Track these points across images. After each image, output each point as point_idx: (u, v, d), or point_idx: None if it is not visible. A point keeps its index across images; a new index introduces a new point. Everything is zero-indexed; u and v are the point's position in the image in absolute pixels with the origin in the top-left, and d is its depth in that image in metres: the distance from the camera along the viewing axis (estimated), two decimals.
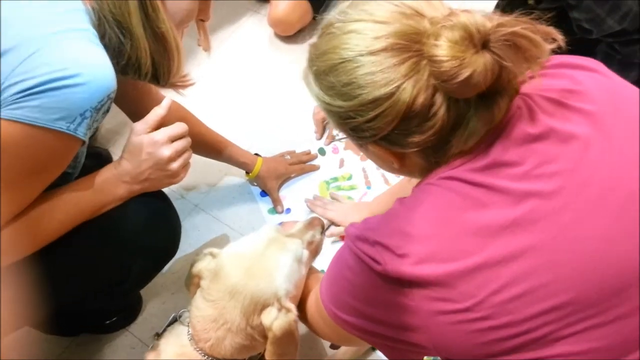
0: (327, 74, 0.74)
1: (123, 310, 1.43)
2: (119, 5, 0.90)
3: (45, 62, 0.81)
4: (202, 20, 1.12)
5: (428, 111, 0.70)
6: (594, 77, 0.77)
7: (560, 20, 1.35)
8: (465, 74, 0.64)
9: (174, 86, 1.09)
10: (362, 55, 0.70)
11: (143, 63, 0.97)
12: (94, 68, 0.85)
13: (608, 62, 1.37)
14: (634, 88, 0.79)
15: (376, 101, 0.70)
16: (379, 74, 0.69)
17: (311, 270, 1.07)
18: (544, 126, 0.72)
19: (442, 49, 0.65)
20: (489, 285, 0.68)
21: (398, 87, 0.69)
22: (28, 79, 0.80)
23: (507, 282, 0.67)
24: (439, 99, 0.69)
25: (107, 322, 1.40)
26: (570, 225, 0.68)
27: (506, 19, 0.66)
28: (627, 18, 1.23)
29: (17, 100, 0.81)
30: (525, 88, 0.74)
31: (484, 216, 0.69)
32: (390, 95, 0.69)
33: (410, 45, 0.69)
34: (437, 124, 0.70)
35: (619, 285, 0.68)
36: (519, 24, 0.65)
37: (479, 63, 0.64)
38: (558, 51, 0.70)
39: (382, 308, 0.76)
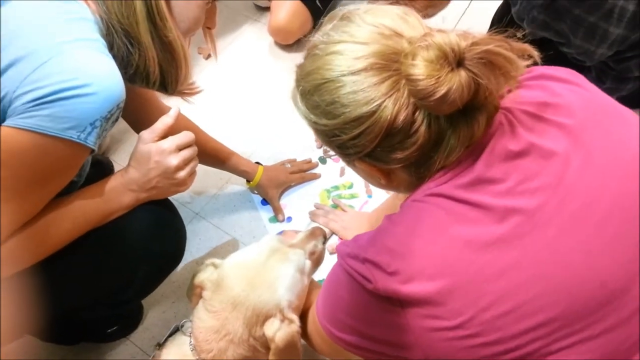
0: (312, 93, 0.76)
1: (124, 319, 1.42)
2: (127, 14, 0.91)
3: (56, 72, 0.82)
4: (209, 28, 1.13)
5: (409, 128, 0.71)
6: (572, 90, 0.78)
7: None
8: (441, 91, 0.66)
9: (182, 94, 1.10)
10: (344, 75, 0.72)
11: (151, 71, 0.98)
12: (103, 78, 0.86)
13: (603, 76, 1.39)
14: (612, 100, 0.80)
15: (359, 119, 0.72)
16: (361, 93, 0.71)
17: (313, 284, 1.07)
18: (525, 142, 0.73)
19: (419, 68, 0.66)
20: (478, 302, 0.68)
21: (379, 105, 0.70)
22: (39, 88, 0.81)
23: (496, 299, 0.68)
24: (419, 116, 0.71)
25: (108, 330, 1.39)
26: (554, 241, 0.69)
27: (481, 37, 0.68)
28: (615, 43, 1.24)
29: (29, 109, 0.82)
30: (504, 102, 0.76)
31: (470, 233, 0.70)
32: (372, 113, 0.71)
33: (390, 64, 0.70)
34: (419, 141, 0.72)
35: (604, 299, 0.68)
36: (493, 42, 0.67)
37: (454, 81, 0.66)
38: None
39: (376, 326, 0.76)
